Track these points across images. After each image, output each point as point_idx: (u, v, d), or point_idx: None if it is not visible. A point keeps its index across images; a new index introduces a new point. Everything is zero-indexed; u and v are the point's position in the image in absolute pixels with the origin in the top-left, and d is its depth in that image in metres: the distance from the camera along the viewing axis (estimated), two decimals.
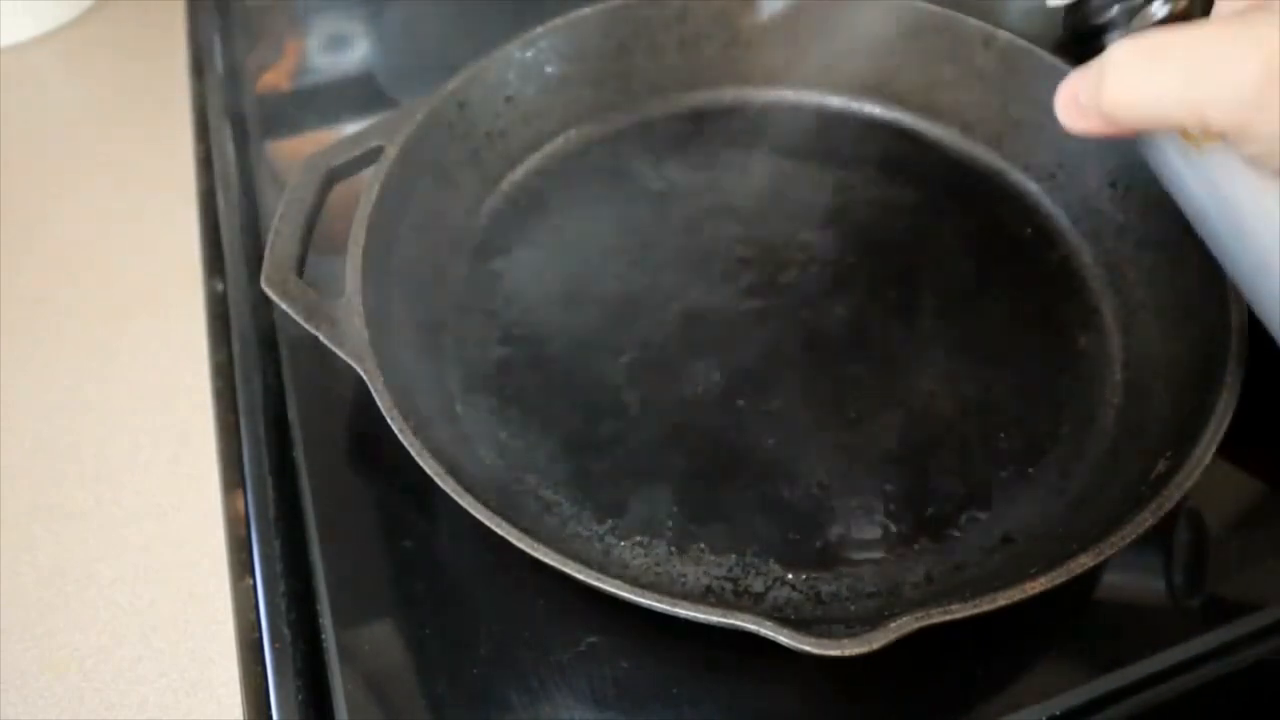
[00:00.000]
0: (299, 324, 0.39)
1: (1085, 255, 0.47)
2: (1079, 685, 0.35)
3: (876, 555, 0.38)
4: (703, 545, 0.38)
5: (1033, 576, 0.32)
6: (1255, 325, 0.38)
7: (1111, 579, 0.38)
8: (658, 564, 0.38)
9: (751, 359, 0.44)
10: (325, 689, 0.36)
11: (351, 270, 0.40)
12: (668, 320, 0.45)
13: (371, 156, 0.44)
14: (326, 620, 0.37)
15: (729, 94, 0.54)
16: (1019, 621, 0.34)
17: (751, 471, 0.40)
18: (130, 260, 0.51)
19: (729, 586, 0.37)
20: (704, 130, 0.53)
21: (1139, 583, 0.38)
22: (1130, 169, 0.46)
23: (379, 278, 0.41)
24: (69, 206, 0.54)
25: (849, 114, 0.54)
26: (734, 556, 0.38)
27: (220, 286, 0.48)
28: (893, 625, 0.30)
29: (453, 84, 0.47)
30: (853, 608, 0.37)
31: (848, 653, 0.30)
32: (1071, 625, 0.37)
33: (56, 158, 0.56)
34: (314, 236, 0.42)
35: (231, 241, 0.49)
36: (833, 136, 0.53)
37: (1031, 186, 0.50)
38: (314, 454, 0.41)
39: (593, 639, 0.36)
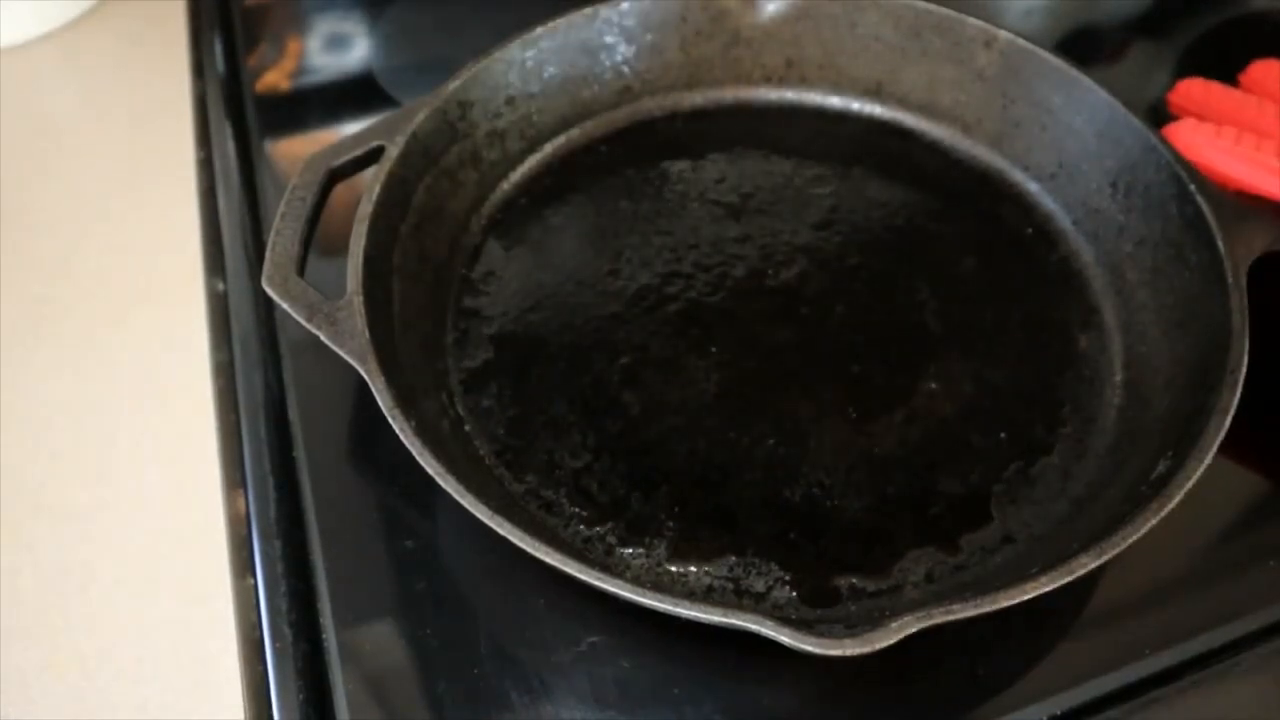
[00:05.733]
0: (300, 324, 0.39)
1: (1085, 255, 0.47)
2: (1079, 685, 0.35)
3: (877, 555, 0.38)
4: (703, 545, 0.38)
5: (1033, 576, 0.32)
6: (1255, 325, 0.38)
7: (1112, 579, 0.38)
8: (659, 564, 0.38)
9: (751, 359, 0.44)
10: (326, 688, 0.36)
11: (352, 270, 0.40)
12: (668, 320, 0.45)
13: (372, 156, 0.44)
14: (327, 620, 0.37)
15: (729, 94, 0.54)
16: (1019, 621, 0.34)
17: (751, 471, 0.40)
18: (130, 260, 0.51)
19: (730, 586, 0.37)
20: (704, 130, 0.53)
21: (1139, 583, 0.38)
22: (1131, 169, 0.46)
23: (379, 278, 0.41)
24: (69, 206, 0.53)
25: (849, 114, 0.54)
26: (734, 556, 0.38)
27: (221, 286, 0.48)
28: (893, 625, 0.30)
29: (453, 84, 0.47)
30: (853, 607, 0.37)
31: (849, 653, 0.30)
32: (1071, 625, 0.37)
33: (56, 157, 0.56)
34: (314, 236, 0.42)
35: (232, 241, 0.49)
36: (833, 136, 0.53)
37: (1031, 186, 0.50)
38: (315, 454, 0.41)
39: (593, 639, 0.36)
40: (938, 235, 0.49)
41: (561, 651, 0.36)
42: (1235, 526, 0.40)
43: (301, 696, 0.35)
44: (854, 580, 0.37)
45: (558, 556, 0.32)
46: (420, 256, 0.45)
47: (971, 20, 0.50)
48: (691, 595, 0.37)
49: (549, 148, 0.51)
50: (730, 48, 0.53)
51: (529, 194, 0.50)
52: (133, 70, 0.61)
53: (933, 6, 0.51)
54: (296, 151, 0.54)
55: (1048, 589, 0.32)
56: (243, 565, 0.39)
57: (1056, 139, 0.49)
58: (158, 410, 0.45)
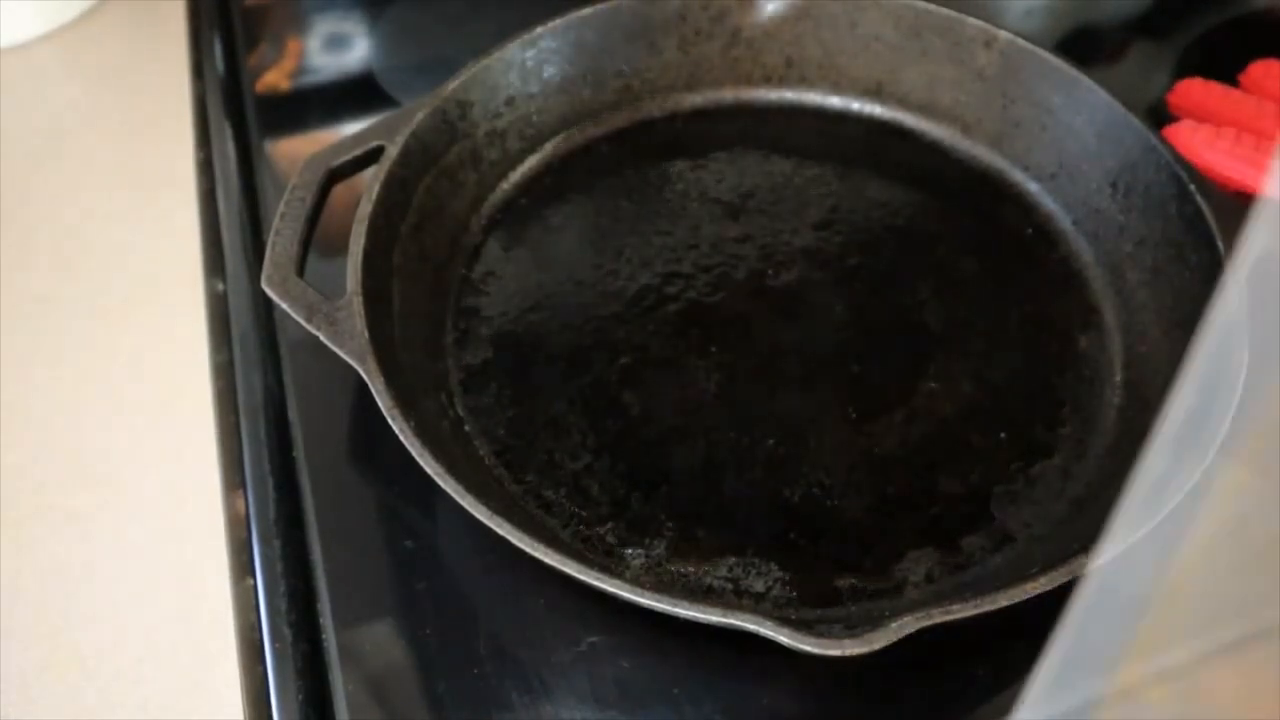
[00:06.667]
0: (299, 324, 0.39)
1: (1085, 255, 0.47)
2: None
3: (877, 555, 0.38)
4: (703, 545, 0.38)
5: (1033, 576, 0.32)
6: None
7: None
8: (658, 564, 0.38)
9: (751, 359, 0.44)
10: (326, 689, 0.36)
11: (352, 270, 0.40)
12: (668, 320, 0.45)
13: (371, 156, 0.44)
14: (327, 620, 0.37)
15: (729, 94, 0.54)
16: (1019, 621, 0.34)
17: (751, 471, 0.40)
18: (130, 260, 0.51)
19: (729, 586, 0.37)
20: (704, 130, 0.53)
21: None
22: (1131, 169, 0.46)
23: (379, 278, 0.41)
24: (69, 206, 0.53)
25: (849, 114, 0.54)
26: (734, 557, 0.38)
27: (220, 287, 0.48)
28: (893, 625, 0.30)
29: (453, 84, 0.47)
30: (853, 608, 0.37)
31: (848, 653, 0.30)
32: None
33: (56, 157, 0.56)
34: (314, 236, 0.42)
35: (232, 241, 0.49)
36: (833, 136, 0.53)
37: (1031, 186, 0.50)
38: (314, 454, 0.41)
39: (593, 639, 0.36)
40: (938, 235, 0.49)
41: (561, 651, 0.36)
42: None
43: (301, 697, 0.35)
44: (854, 580, 0.37)
45: (557, 557, 0.32)
46: (420, 256, 0.45)
47: (971, 20, 0.50)
48: (691, 595, 0.37)
49: (549, 148, 0.51)
50: (730, 48, 0.53)
51: (529, 194, 0.50)
52: (133, 70, 0.61)
53: (933, 6, 0.51)
54: (296, 151, 0.54)
55: (1048, 589, 0.32)
56: (242, 566, 0.39)
57: (1056, 139, 0.49)
58: (158, 410, 0.45)
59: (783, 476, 0.40)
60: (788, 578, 0.38)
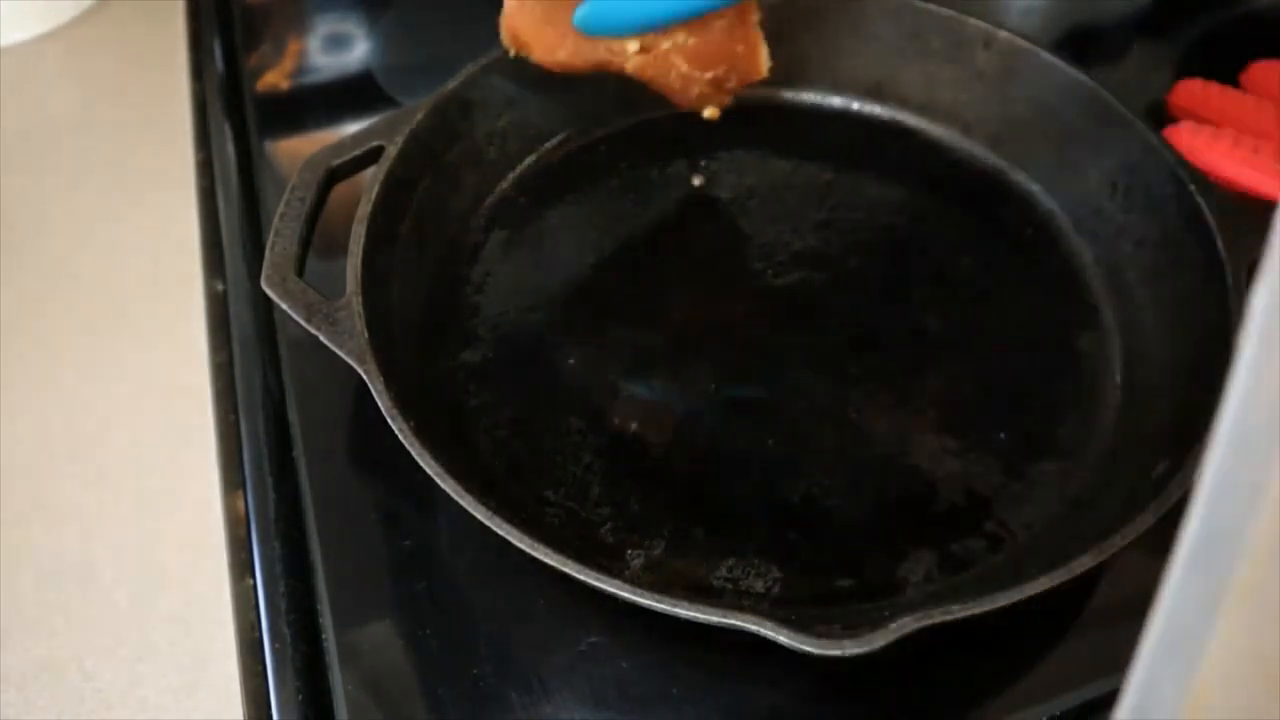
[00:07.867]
0: (299, 324, 0.39)
1: (1085, 255, 0.47)
2: (1079, 685, 0.35)
3: (877, 555, 0.38)
4: (703, 545, 0.38)
5: (1033, 576, 0.32)
6: None
7: (1112, 579, 0.38)
8: (658, 564, 0.38)
9: (751, 359, 0.44)
10: (325, 689, 0.36)
11: (351, 270, 0.40)
12: (668, 321, 0.45)
13: (371, 156, 0.44)
14: (327, 620, 0.37)
15: None
16: (1019, 621, 0.34)
17: (751, 471, 0.40)
18: (130, 260, 0.51)
19: (729, 586, 0.37)
20: (704, 130, 0.53)
21: (1139, 583, 0.38)
22: (1131, 169, 0.46)
23: (379, 278, 0.41)
24: (69, 206, 0.53)
25: (849, 114, 0.54)
26: (734, 557, 0.38)
27: (220, 286, 0.48)
28: (893, 625, 0.30)
29: (453, 84, 0.47)
30: (853, 608, 0.37)
31: (848, 653, 0.30)
32: (1071, 625, 0.37)
33: (56, 158, 0.56)
34: (314, 236, 0.42)
35: (231, 241, 0.49)
36: (833, 136, 0.53)
37: (1032, 186, 0.50)
38: (314, 454, 0.41)
39: (593, 639, 0.36)
40: (938, 235, 0.49)
41: (561, 652, 0.36)
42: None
43: (300, 697, 0.35)
44: (853, 580, 0.37)
45: (557, 557, 0.32)
46: (420, 256, 0.45)
47: (971, 20, 0.50)
48: (691, 595, 0.37)
49: (549, 148, 0.51)
50: None
51: (529, 194, 0.50)
52: (133, 70, 0.61)
53: (933, 6, 0.51)
54: (296, 151, 0.54)
55: (1047, 589, 0.32)
56: (242, 566, 0.39)
57: (1056, 139, 0.49)
58: (158, 410, 0.45)
59: (783, 476, 0.40)
60: (787, 578, 0.38)
